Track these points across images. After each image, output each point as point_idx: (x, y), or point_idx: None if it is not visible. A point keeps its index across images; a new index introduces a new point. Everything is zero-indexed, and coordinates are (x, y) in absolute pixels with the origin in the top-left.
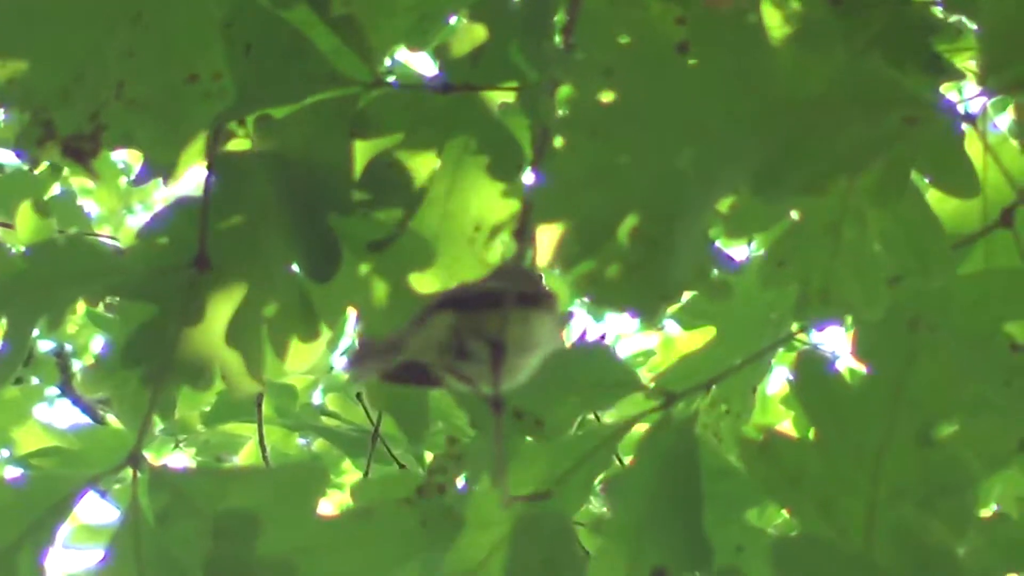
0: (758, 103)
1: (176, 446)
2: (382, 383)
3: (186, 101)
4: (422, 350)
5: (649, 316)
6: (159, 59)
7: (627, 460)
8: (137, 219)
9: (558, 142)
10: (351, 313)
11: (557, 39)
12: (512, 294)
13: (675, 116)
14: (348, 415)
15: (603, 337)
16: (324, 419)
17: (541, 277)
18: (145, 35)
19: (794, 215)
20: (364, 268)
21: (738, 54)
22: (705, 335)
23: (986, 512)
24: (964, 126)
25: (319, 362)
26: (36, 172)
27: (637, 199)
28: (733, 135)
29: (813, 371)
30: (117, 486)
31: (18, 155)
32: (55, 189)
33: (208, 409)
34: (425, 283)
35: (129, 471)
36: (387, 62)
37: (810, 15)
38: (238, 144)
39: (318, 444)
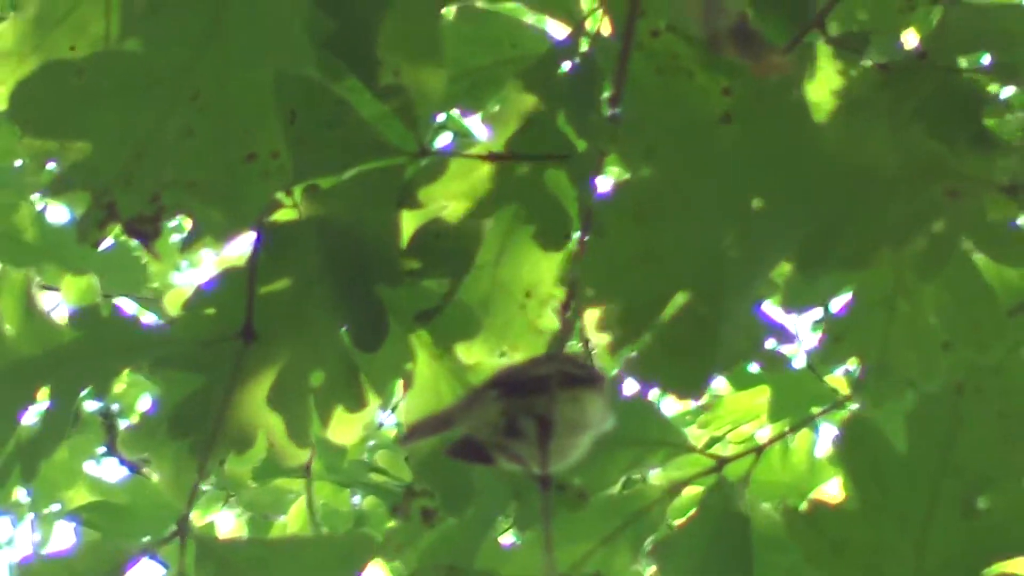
0: (801, 178)
1: (226, 502)
2: (429, 456)
3: (245, 180)
4: (474, 429)
5: (694, 396)
6: (217, 138)
7: (676, 523)
8: (183, 277)
9: (603, 223)
10: (399, 382)
11: (604, 110)
12: (562, 374)
13: (719, 193)
14: (397, 471)
15: (647, 393)
16: (373, 475)
17: (591, 357)
18: (203, 114)
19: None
20: (412, 338)
21: (782, 129)
22: (755, 395)
23: None
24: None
25: (368, 419)
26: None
27: (683, 280)
28: (777, 212)
29: (858, 436)
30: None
31: (80, 235)
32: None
33: (259, 464)
34: (476, 350)
35: (176, 540)
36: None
37: (855, 89)
38: (285, 214)
39: (367, 502)
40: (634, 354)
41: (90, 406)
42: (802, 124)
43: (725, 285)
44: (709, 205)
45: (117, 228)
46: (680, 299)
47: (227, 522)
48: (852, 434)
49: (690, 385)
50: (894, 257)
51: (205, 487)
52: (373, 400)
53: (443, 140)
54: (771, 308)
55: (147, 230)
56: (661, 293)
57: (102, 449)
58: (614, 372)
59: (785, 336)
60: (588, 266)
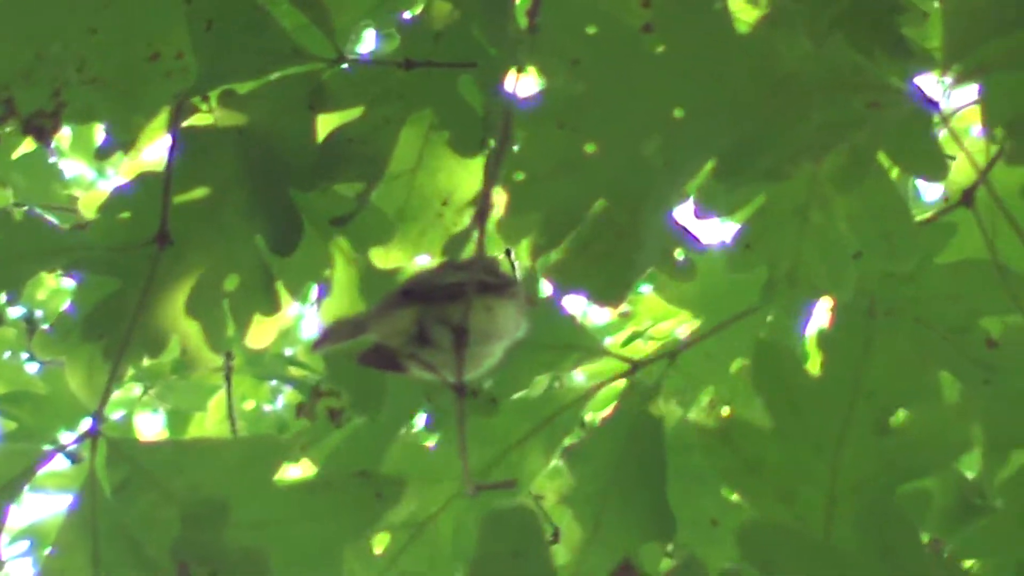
0: (723, 90)
1: (144, 393)
2: (343, 360)
3: (148, 79)
4: (387, 336)
5: (613, 302)
6: (121, 37)
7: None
8: (108, 183)
9: (525, 131)
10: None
11: (521, 20)
12: (475, 283)
13: (641, 105)
14: (317, 365)
15: (559, 299)
16: (292, 369)
17: (503, 264)
18: (107, 13)
19: (761, 198)
20: (326, 242)
21: (704, 41)
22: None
23: None
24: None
25: (283, 323)
26: None
27: (604, 188)
28: (699, 122)
29: (771, 361)
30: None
31: None
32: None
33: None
34: (392, 256)
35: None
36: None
37: (775, 2)
38: (201, 119)
39: (288, 396)
40: (554, 261)
41: (14, 312)
42: (724, 35)
43: (645, 193)
44: (630, 114)
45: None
46: (599, 207)
47: (149, 424)
48: (765, 358)
49: (610, 292)
50: (811, 168)
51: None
52: (288, 304)
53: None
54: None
55: (46, 125)
56: (581, 201)
57: (24, 355)
58: (526, 277)
59: (693, 244)
60: (508, 173)
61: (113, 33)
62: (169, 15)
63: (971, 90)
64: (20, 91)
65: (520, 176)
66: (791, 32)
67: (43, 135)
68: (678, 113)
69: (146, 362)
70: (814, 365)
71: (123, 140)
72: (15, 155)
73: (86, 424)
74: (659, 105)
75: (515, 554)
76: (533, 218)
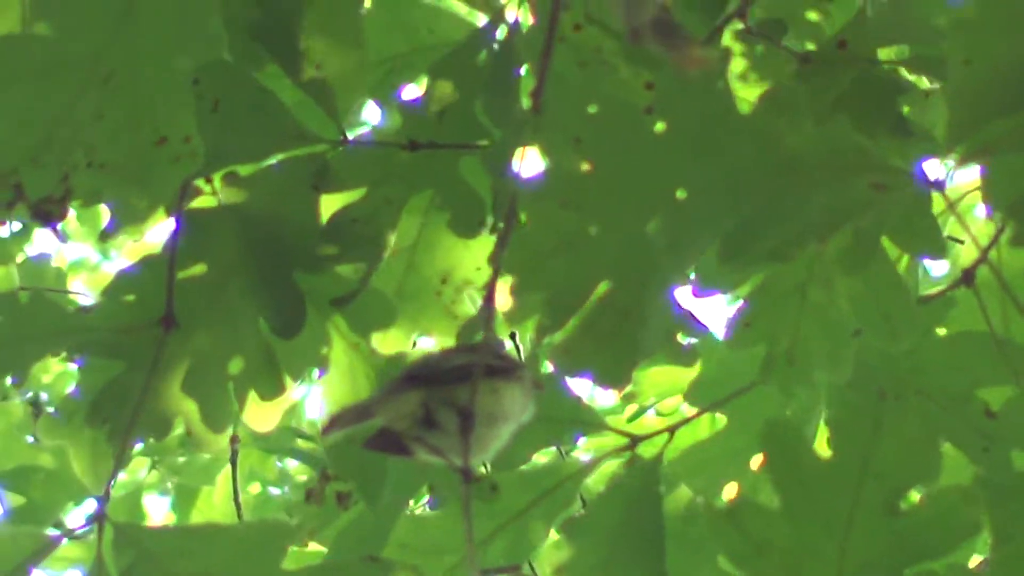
0: (726, 171)
1: (153, 467)
2: (343, 442)
3: (156, 164)
4: (393, 420)
5: (618, 384)
6: (129, 121)
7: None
8: (112, 265)
9: (528, 211)
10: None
11: (524, 101)
12: (481, 366)
13: (644, 184)
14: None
15: (561, 375)
16: (300, 442)
17: (511, 348)
18: (114, 97)
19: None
20: (328, 326)
21: (705, 121)
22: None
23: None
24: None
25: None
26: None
27: (607, 268)
28: (701, 202)
29: (781, 440)
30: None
31: None
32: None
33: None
34: (391, 338)
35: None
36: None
37: (778, 82)
38: (204, 201)
39: (296, 471)
40: (559, 344)
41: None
42: (727, 115)
43: (648, 274)
44: (633, 195)
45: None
46: (603, 288)
47: (156, 502)
48: (774, 437)
49: (615, 374)
50: (813, 248)
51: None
52: (290, 387)
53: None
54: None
55: (54, 211)
56: (585, 281)
57: (30, 439)
58: (530, 358)
59: (695, 327)
60: (512, 254)
61: (120, 118)
62: (176, 99)
63: (975, 170)
64: (28, 175)
65: (524, 256)
66: (794, 112)
67: (50, 220)
68: (680, 193)
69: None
70: (822, 445)
71: (130, 225)
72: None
73: (93, 502)
74: (662, 185)
75: None
76: (537, 299)
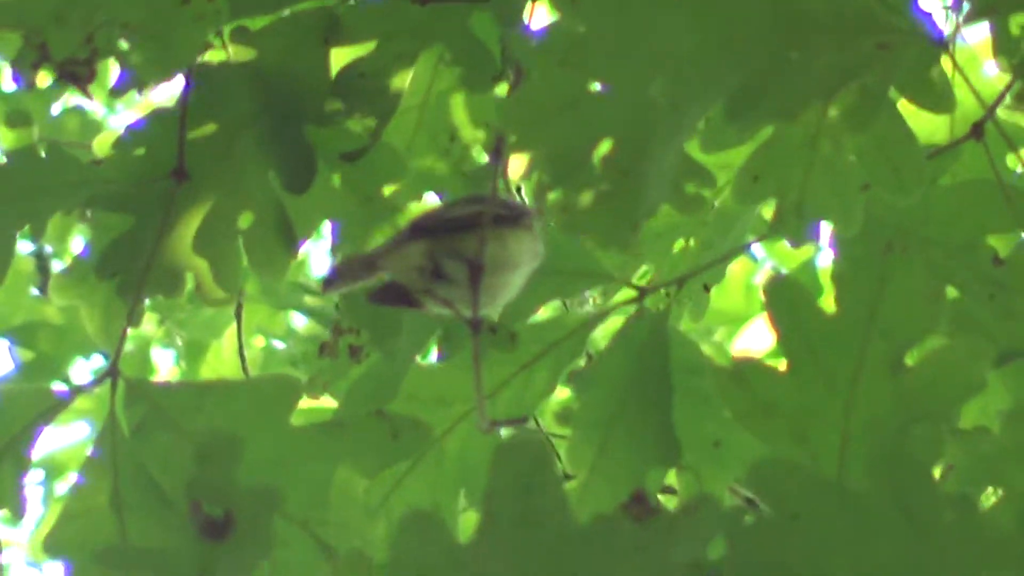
0: (730, 31)
1: (161, 323)
2: (360, 297)
3: (180, 22)
4: (399, 273)
5: (620, 244)
6: None
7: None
8: (120, 119)
9: (530, 69)
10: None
11: None
12: (488, 215)
13: (646, 45)
14: (332, 296)
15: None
16: (308, 298)
17: (518, 196)
18: None
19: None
20: (338, 179)
21: None
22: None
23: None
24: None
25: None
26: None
27: (609, 128)
28: (705, 63)
29: (785, 298)
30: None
31: (15, 78)
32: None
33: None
34: (402, 192)
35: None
36: None
37: None
38: (215, 55)
39: (304, 329)
40: (558, 202)
41: (23, 248)
42: None
43: (652, 133)
44: (636, 54)
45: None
46: (604, 147)
47: (163, 357)
48: (779, 296)
49: (615, 234)
50: (821, 107)
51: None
52: (301, 240)
53: None
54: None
55: (81, 72)
56: (586, 140)
57: (35, 291)
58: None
59: (706, 178)
60: (512, 112)
61: None
62: None
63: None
64: (52, 35)
65: (525, 113)
66: None
67: (79, 81)
68: (686, 51)
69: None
70: (829, 298)
71: (152, 82)
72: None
73: (100, 357)
74: (665, 44)
75: (527, 486)
76: (539, 156)
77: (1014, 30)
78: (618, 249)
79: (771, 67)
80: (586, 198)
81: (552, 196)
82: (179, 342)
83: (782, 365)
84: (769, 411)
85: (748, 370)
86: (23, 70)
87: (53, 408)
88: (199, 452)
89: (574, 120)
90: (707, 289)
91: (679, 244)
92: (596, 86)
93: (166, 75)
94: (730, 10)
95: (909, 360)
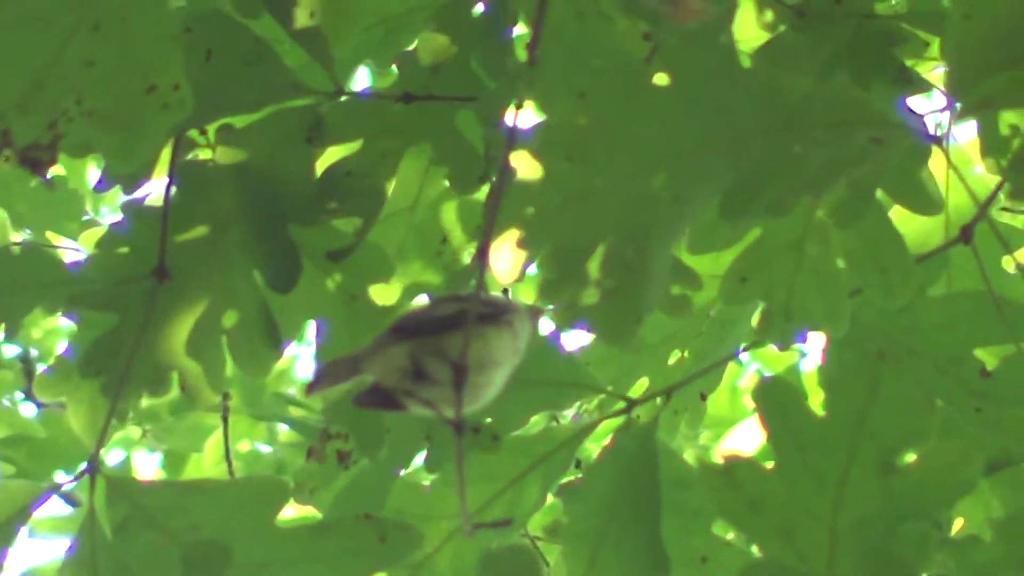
0: (728, 125)
1: (143, 435)
2: (341, 398)
3: (145, 111)
4: (382, 375)
5: (624, 340)
6: (118, 69)
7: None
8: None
9: (533, 167)
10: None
11: (520, 54)
12: (471, 314)
13: (647, 138)
14: (316, 405)
15: (557, 336)
16: (292, 409)
17: (499, 294)
18: (104, 44)
19: (757, 232)
20: (325, 279)
21: (709, 75)
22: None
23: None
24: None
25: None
26: None
27: (613, 222)
28: (705, 158)
29: (776, 398)
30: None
31: None
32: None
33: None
34: (392, 294)
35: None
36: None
37: (779, 35)
38: (200, 154)
39: (285, 436)
40: (564, 298)
41: (9, 352)
42: (730, 69)
43: (652, 228)
44: (637, 149)
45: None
46: (608, 242)
47: (145, 464)
48: (770, 395)
49: (621, 330)
50: (808, 202)
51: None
52: (286, 340)
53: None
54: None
55: (42, 158)
56: (591, 235)
57: (20, 395)
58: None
59: (692, 280)
60: (517, 207)
61: (110, 65)
62: (166, 46)
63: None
64: (16, 122)
65: (530, 210)
66: (795, 62)
67: (38, 167)
68: (685, 147)
69: (145, 403)
70: (815, 401)
71: (121, 174)
72: (32, 184)
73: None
74: (665, 139)
75: None
76: (542, 252)
77: (1003, 130)
78: (620, 344)
79: (766, 161)
80: (591, 294)
81: (558, 296)
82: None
83: (770, 465)
84: (757, 507)
85: (737, 467)
86: None
87: (30, 506)
88: (186, 557)
89: (580, 215)
90: (703, 398)
91: (675, 355)
92: (599, 180)
93: (134, 164)
94: (730, 106)
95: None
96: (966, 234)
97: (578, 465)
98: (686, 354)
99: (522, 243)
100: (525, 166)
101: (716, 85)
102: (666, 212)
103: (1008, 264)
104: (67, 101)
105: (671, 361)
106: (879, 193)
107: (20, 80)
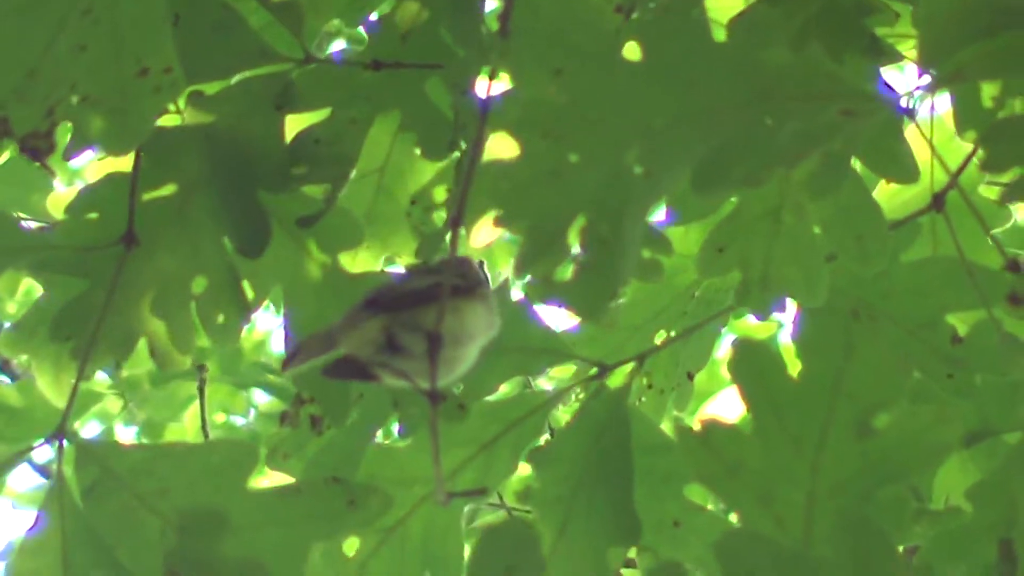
0: (701, 99)
1: (125, 405)
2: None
3: (137, 95)
4: (357, 348)
5: (598, 314)
6: (110, 53)
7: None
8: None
9: (509, 144)
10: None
11: (491, 23)
12: (446, 287)
13: (622, 114)
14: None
15: (528, 300)
16: (270, 376)
17: (474, 265)
18: (95, 29)
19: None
20: (295, 245)
21: (683, 50)
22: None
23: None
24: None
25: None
26: None
27: (588, 198)
28: (678, 132)
29: (751, 360)
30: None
31: None
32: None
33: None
34: (360, 259)
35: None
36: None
37: (751, 6)
38: (168, 120)
39: (264, 406)
40: (539, 273)
41: None
42: (703, 43)
43: (626, 203)
44: (612, 124)
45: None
46: (583, 220)
47: (126, 437)
48: (745, 358)
49: (594, 304)
50: (783, 173)
51: (101, 391)
52: (257, 306)
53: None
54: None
55: (41, 146)
56: (567, 211)
57: None
58: (500, 278)
59: (663, 246)
60: (496, 184)
61: (101, 50)
62: (156, 29)
63: (945, 96)
64: (15, 110)
65: (506, 185)
66: (768, 37)
67: (39, 155)
68: (658, 121)
69: (125, 373)
70: (792, 366)
71: (113, 155)
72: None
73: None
74: (639, 114)
75: (509, 568)
76: (518, 228)
77: (986, 101)
78: (594, 318)
79: (738, 135)
80: (565, 269)
81: (533, 270)
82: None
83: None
84: (734, 472)
85: (714, 431)
86: None
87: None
88: (180, 524)
89: (556, 191)
90: (691, 377)
91: (660, 335)
92: (574, 157)
93: (127, 147)
94: (703, 78)
95: (877, 424)
96: (938, 202)
97: (551, 431)
98: (672, 334)
99: (498, 220)
100: (500, 142)
101: (688, 59)
102: (639, 187)
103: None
104: (63, 88)
105: (657, 341)
106: (857, 162)
107: (16, 68)
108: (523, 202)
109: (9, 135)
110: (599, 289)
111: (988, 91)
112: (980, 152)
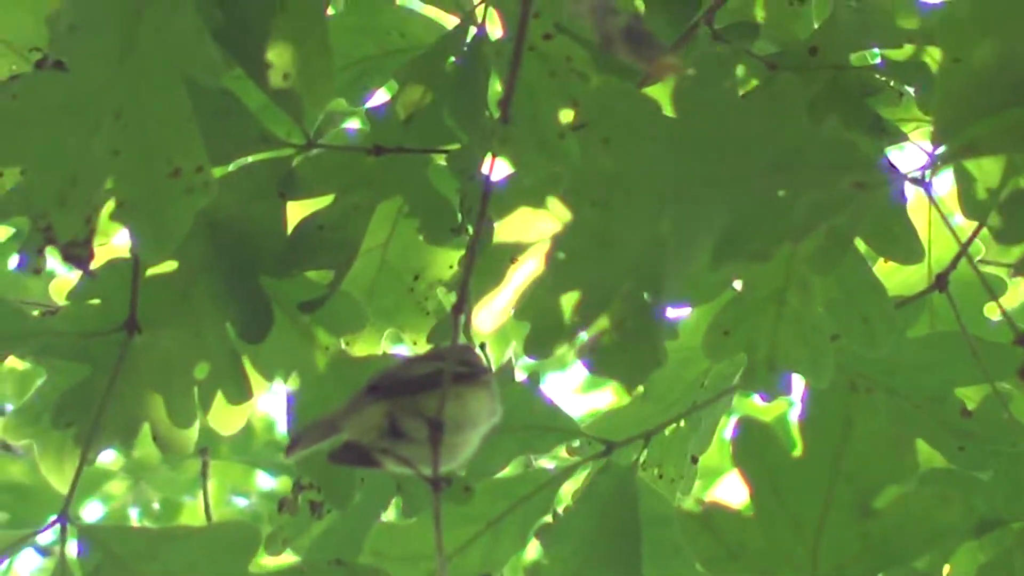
0: (728, 167)
1: (136, 483)
2: (312, 451)
3: (170, 197)
4: (359, 433)
5: (639, 382)
6: (142, 155)
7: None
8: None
9: (563, 213)
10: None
11: (492, 107)
12: (448, 373)
13: (659, 183)
14: None
15: (534, 379)
16: (282, 456)
17: (476, 352)
18: (126, 132)
19: (737, 284)
20: (297, 329)
21: (715, 119)
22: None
23: None
24: (911, 191)
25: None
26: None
27: (631, 266)
28: (705, 200)
29: (752, 440)
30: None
31: (21, 263)
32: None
33: None
34: (364, 341)
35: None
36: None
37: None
38: None
39: (280, 482)
40: (586, 343)
41: None
42: (733, 111)
43: (663, 271)
44: (651, 193)
45: None
46: (627, 287)
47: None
48: (747, 439)
49: (637, 373)
50: (788, 250)
51: (114, 469)
52: (261, 391)
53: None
54: None
55: (82, 254)
56: (615, 279)
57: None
58: (502, 363)
59: (672, 330)
60: (552, 257)
61: (133, 152)
62: (185, 129)
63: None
64: (57, 217)
65: (561, 255)
66: (789, 107)
67: (82, 264)
68: (688, 189)
69: (137, 452)
70: (798, 446)
71: (152, 262)
72: None
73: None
74: (671, 182)
75: None
76: (567, 298)
77: (991, 180)
78: (633, 387)
79: (757, 207)
80: (610, 338)
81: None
82: (154, 504)
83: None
84: (735, 555)
85: (715, 514)
86: (30, 255)
87: (5, 552)
88: None
89: (604, 259)
90: (695, 461)
91: (671, 429)
92: (619, 225)
93: (164, 253)
94: (730, 145)
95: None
96: (940, 282)
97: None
98: (682, 424)
99: (552, 288)
100: (507, 227)
101: (719, 126)
102: (671, 256)
103: (992, 311)
104: (100, 194)
105: (667, 433)
106: (861, 244)
107: (57, 174)
108: (575, 270)
109: (53, 243)
110: (645, 358)
111: (995, 166)
112: (991, 224)
